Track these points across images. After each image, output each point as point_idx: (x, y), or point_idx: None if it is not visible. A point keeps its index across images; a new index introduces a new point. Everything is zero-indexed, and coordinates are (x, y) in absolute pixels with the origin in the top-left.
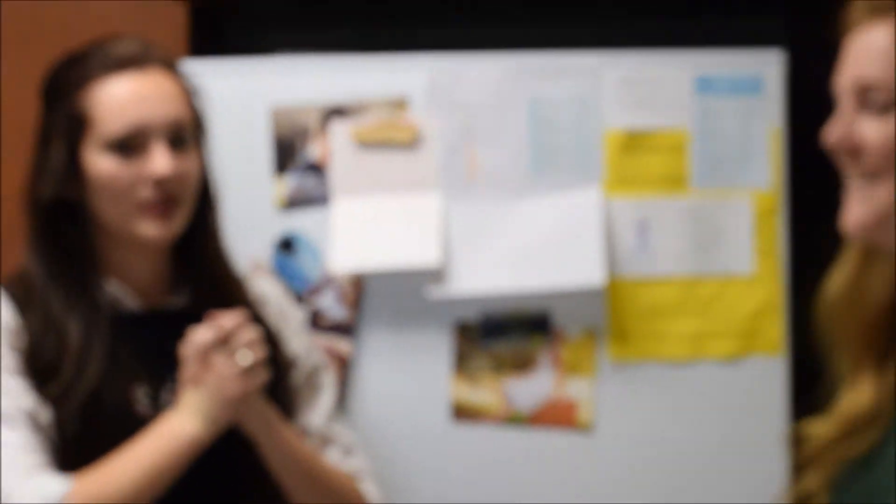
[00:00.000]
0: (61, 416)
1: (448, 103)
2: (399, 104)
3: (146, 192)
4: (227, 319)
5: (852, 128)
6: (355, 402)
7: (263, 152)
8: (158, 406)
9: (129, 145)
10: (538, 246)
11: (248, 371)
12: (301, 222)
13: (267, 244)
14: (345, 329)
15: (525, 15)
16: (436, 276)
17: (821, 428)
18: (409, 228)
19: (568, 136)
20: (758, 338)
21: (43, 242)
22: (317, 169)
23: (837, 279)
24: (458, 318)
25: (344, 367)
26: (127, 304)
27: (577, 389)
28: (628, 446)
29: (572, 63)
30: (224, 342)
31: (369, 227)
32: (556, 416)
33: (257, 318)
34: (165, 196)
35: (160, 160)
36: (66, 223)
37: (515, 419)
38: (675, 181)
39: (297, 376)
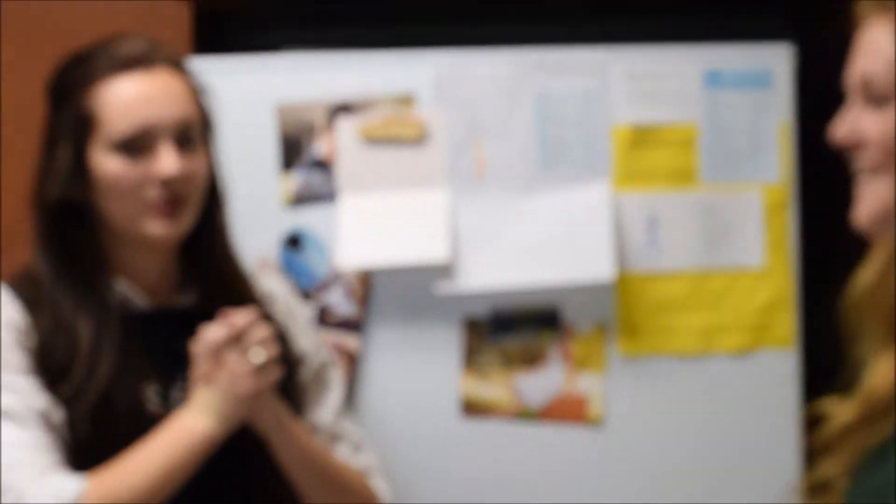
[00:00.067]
0: (73, 416)
1: (455, 99)
2: (406, 100)
3: (153, 192)
4: (240, 317)
5: (856, 123)
6: (364, 398)
7: (270, 149)
8: (169, 405)
9: (136, 145)
10: (547, 241)
11: (260, 369)
12: (308, 219)
13: (274, 241)
14: (353, 325)
15: (531, 11)
16: (444, 271)
17: (841, 408)
18: (417, 224)
19: (576, 132)
20: (768, 332)
21: (50, 243)
22: (323, 166)
23: (867, 272)
24: (467, 314)
25: (352, 363)
26: (136, 303)
27: (588, 384)
28: (639, 441)
29: (579, 58)
30: (236, 340)
31: (377, 224)
32: (567, 411)
33: (266, 315)
34: (172, 196)
35: (167, 160)
36: (72, 223)
37: (525, 414)
38: (684, 176)
39: (306, 373)
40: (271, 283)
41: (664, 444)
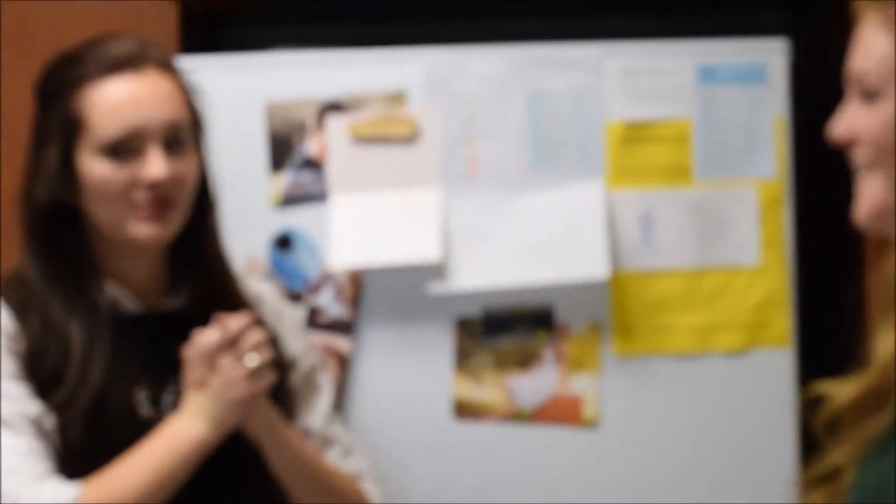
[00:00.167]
0: (65, 422)
1: (447, 97)
2: (397, 98)
3: (140, 196)
4: (234, 321)
5: (851, 120)
6: (355, 401)
7: (259, 149)
8: (161, 409)
9: (124, 148)
10: (540, 240)
11: (254, 373)
12: (299, 219)
13: (264, 242)
14: (344, 327)
15: (523, 7)
16: (436, 271)
17: (841, 388)
18: (409, 224)
19: (569, 129)
20: (764, 330)
21: (39, 246)
22: (314, 165)
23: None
24: (460, 314)
25: (343, 365)
26: (126, 306)
27: (582, 385)
28: (635, 442)
29: (572, 55)
30: (230, 344)
31: (368, 223)
32: (561, 412)
33: (258, 319)
34: (160, 199)
35: (155, 164)
36: (61, 226)
37: (519, 416)
38: (678, 172)
39: (296, 377)
40: (259, 286)
41: (661, 445)
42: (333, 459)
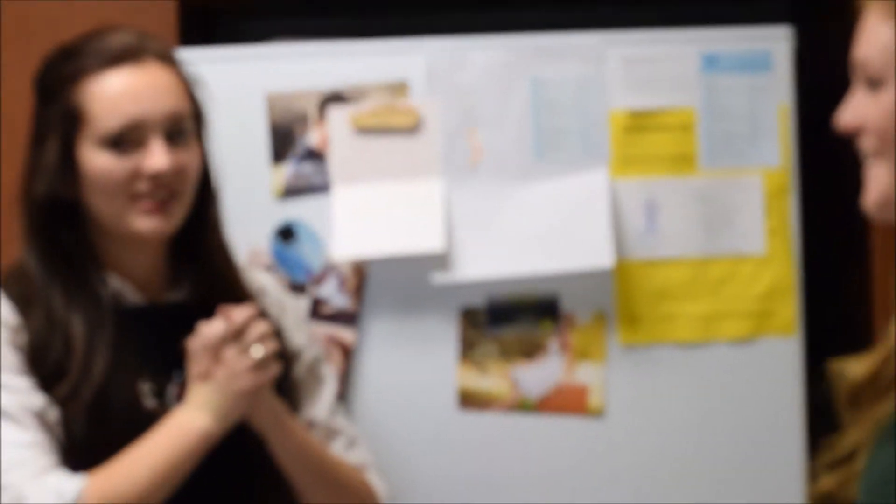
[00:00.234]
0: (68, 415)
1: (449, 87)
2: (399, 89)
3: (142, 187)
4: (238, 313)
5: (857, 109)
6: (359, 392)
7: (260, 141)
8: (164, 401)
9: (126, 140)
10: (544, 229)
11: (259, 365)
12: (301, 210)
13: (266, 234)
14: (348, 318)
15: None
16: (440, 261)
17: (856, 364)
18: (412, 214)
19: (572, 119)
20: (770, 318)
21: (40, 240)
22: (316, 156)
23: None
24: (464, 305)
25: (347, 356)
26: (128, 299)
27: (588, 374)
28: (641, 431)
29: (575, 44)
30: (235, 336)
31: (371, 214)
32: (566, 402)
33: (262, 310)
34: (162, 191)
35: (157, 155)
36: (62, 220)
37: (524, 406)
38: (682, 161)
39: (299, 369)
40: (262, 278)
41: (666, 435)
42: (337, 451)
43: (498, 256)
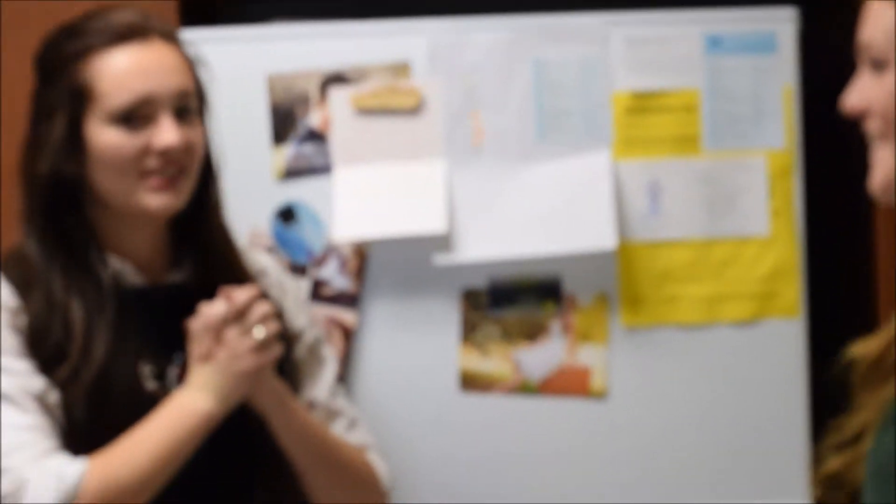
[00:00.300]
0: (69, 398)
1: (451, 68)
2: (401, 69)
3: (152, 163)
4: (240, 294)
5: (862, 91)
6: (361, 374)
7: (261, 121)
8: (165, 383)
9: (135, 117)
10: (547, 210)
11: (260, 346)
12: (302, 191)
13: (267, 215)
14: (349, 299)
15: None
16: (442, 243)
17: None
18: (414, 195)
19: (575, 100)
20: (774, 300)
21: (41, 220)
22: (317, 137)
23: None
24: (466, 286)
25: (349, 338)
26: (129, 280)
27: (590, 356)
28: (643, 414)
29: (578, 25)
30: (237, 317)
31: (372, 195)
32: (569, 384)
33: (264, 291)
34: (171, 167)
35: (167, 131)
36: (64, 200)
37: (526, 388)
38: (686, 142)
39: (300, 349)
40: (262, 258)
41: (669, 417)
42: (338, 432)
43: (500, 238)
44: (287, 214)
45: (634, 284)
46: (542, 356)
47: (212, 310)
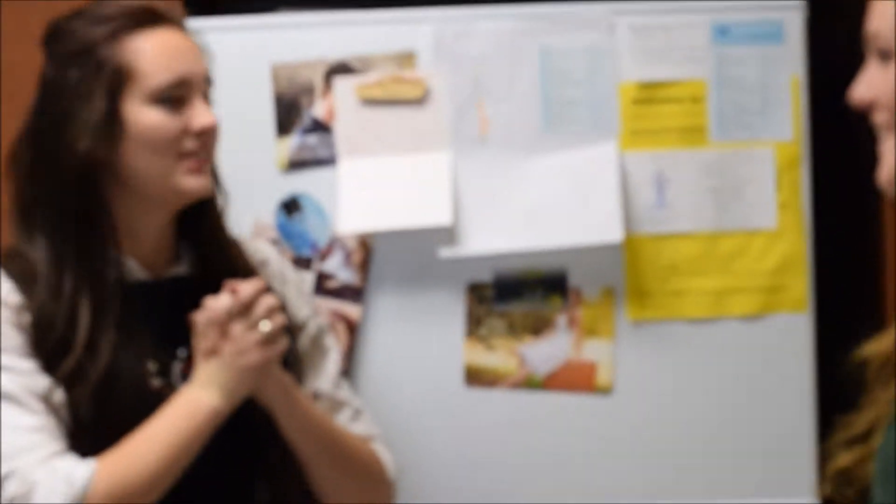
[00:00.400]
0: (75, 396)
1: (457, 58)
2: (406, 59)
3: (190, 145)
4: (245, 287)
5: (870, 82)
6: (365, 367)
7: (265, 112)
8: (170, 380)
9: (174, 97)
10: (553, 202)
11: (266, 339)
12: (307, 183)
13: (271, 207)
14: (353, 292)
15: None
16: (447, 235)
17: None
18: (419, 187)
19: (581, 90)
20: (782, 294)
21: (56, 210)
22: (322, 127)
23: None
24: (471, 279)
25: (353, 331)
26: (133, 274)
27: (596, 351)
28: (650, 408)
29: (584, 14)
30: (243, 311)
31: (377, 187)
32: (575, 378)
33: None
34: (206, 150)
35: (204, 113)
36: (89, 186)
37: (531, 383)
38: (693, 133)
39: (304, 340)
40: (262, 247)
41: (675, 412)
42: (343, 422)
43: (506, 230)
44: (291, 206)
45: (641, 278)
46: (547, 351)
47: (217, 304)
